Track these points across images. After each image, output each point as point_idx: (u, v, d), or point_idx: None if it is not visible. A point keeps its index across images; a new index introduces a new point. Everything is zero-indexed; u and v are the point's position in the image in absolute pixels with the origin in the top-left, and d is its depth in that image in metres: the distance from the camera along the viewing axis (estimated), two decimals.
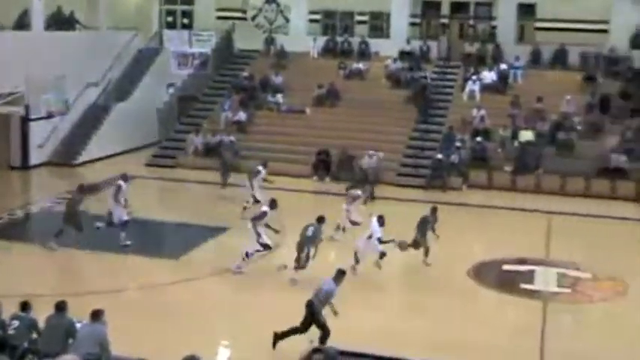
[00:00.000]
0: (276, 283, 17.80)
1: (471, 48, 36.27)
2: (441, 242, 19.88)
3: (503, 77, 33.95)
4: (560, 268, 19.69)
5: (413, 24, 38.41)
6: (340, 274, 14.46)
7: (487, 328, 15.89)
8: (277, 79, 34.86)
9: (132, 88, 34.68)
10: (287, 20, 39.32)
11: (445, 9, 38.78)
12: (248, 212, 21.57)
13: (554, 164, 29.29)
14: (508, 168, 29.40)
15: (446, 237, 20.12)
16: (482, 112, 31.41)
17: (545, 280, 18.95)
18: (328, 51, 37.58)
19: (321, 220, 18.32)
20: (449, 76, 35.29)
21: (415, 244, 19.48)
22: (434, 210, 20.18)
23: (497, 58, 35.17)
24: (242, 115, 32.67)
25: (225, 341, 15.10)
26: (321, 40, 37.85)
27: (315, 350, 11.72)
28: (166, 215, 24.44)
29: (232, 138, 30.89)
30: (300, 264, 17.76)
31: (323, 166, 29.94)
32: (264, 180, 23.99)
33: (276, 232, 19.06)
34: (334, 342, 12.72)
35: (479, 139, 30.27)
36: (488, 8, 38.41)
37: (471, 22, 38.79)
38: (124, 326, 13.20)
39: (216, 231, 22.11)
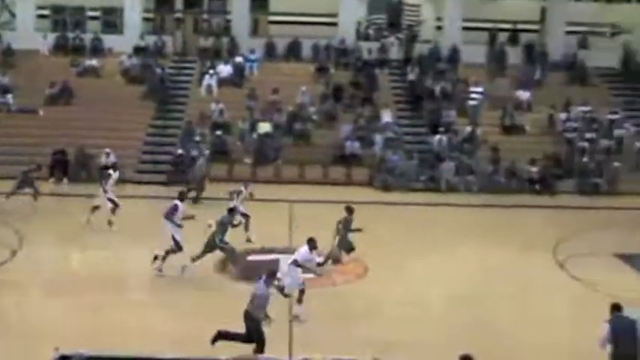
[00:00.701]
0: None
1: (207, 42, 36.32)
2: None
3: (239, 70, 34.31)
4: None
5: (147, 19, 37.87)
6: (271, 275, 14.22)
7: (236, 320, 15.92)
8: (4, 79, 32.95)
9: None
10: (13, 15, 37.35)
11: (179, 4, 38.63)
12: None
13: (293, 154, 30.04)
14: (248, 160, 29.81)
15: (190, 232, 19.96)
16: (221, 105, 31.59)
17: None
18: (59, 48, 36.08)
19: (231, 211, 18.95)
20: (186, 71, 35.18)
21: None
22: (350, 210, 19.82)
23: (233, 51, 35.48)
24: None
25: None
26: (52, 37, 36.28)
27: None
28: None
29: None
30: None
31: (60, 166, 28.75)
32: None
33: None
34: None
35: (218, 132, 30.41)
36: (222, 2, 38.70)
37: (205, 16, 38.86)
38: None
39: None
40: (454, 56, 35.65)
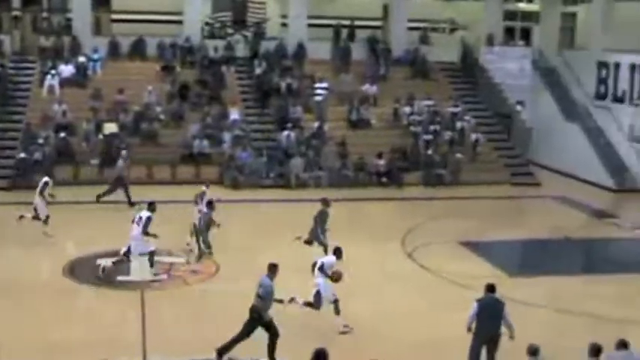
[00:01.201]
0: None
1: (47, 42, 35.06)
2: (27, 243, 19.14)
3: (82, 70, 33.39)
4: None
5: None
6: (272, 268, 14.16)
7: (87, 324, 15.58)
8: None
9: None
10: None
11: (16, 1, 37.20)
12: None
13: (140, 154, 29.54)
14: (94, 161, 29.08)
15: (34, 238, 19.38)
16: (64, 106, 30.70)
17: (141, 269, 18.99)
18: None
19: (210, 204, 19.95)
20: (26, 72, 33.88)
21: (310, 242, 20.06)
22: (327, 203, 20.23)
23: (75, 50, 34.44)
24: None
25: None
26: None
27: None
28: None
29: None
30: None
31: None
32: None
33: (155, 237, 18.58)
34: None
35: (62, 134, 29.52)
36: (63, 0, 37.52)
37: (45, 14, 37.62)
38: None
39: None
40: (300, 53, 35.95)
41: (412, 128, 32.79)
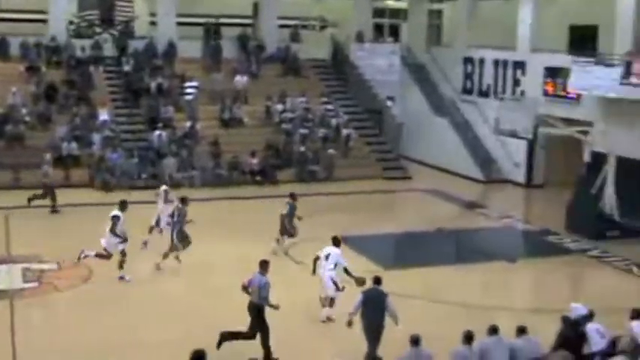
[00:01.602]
0: None
1: None
2: None
3: None
4: (24, 263, 19.34)
5: None
6: (264, 264, 14.40)
7: None
8: None
9: None
10: None
11: None
12: None
13: (6, 158, 28.57)
14: None
15: None
16: None
17: (9, 277, 18.40)
18: None
19: (183, 200, 19.79)
20: None
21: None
22: (294, 197, 21.25)
23: None
24: None
25: None
26: None
27: None
28: None
29: None
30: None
31: None
32: None
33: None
34: None
35: None
36: None
37: None
38: None
39: None
40: (170, 51, 35.43)
41: (284, 125, 32.89)
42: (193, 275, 19.23)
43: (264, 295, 14.14)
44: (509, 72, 33.31)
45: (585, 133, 26.40)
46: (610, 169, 24.71)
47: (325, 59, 38.22)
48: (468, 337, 11.91)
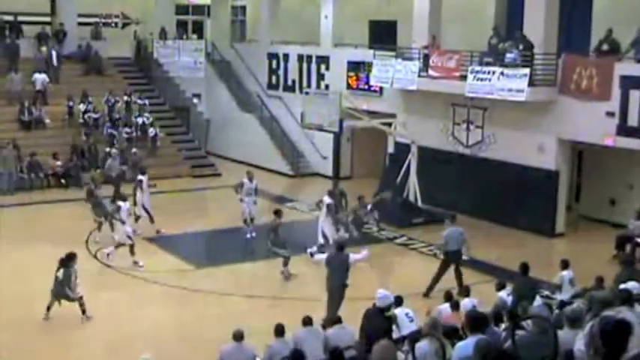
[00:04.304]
0: None
1: None
2: None
3: None
4: None
5: None
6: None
7: None
8: None
9: None
10: None
11: None
12: None
13: None
14: None
15: None
16: None
17: None
18: None
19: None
20: None
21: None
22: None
23: None
24: None
25: None
26: None
27: None
28: None
29: None
30: None
31: None
32: None
33: None
34: None
35: None
36: None
37: None
38: None
39: None
40: None
41: (88, 126, 31.93)
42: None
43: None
44: (314, 67, 33.87)
45: (389, 124, 27.30)
46: (413, 159, 25.66)
47: (129, 57, 37.42)
48: (279, 331, 11.97)
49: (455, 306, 13.99)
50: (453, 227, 18.77)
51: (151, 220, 23.32)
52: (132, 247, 20.14)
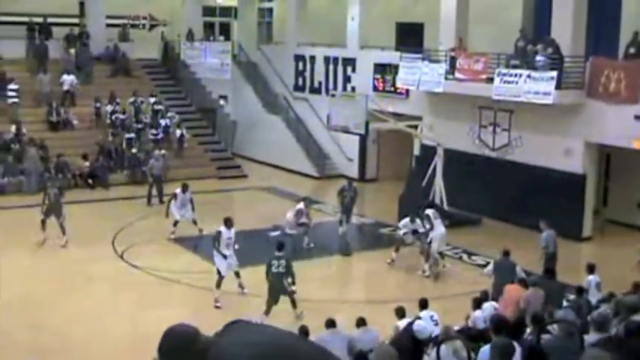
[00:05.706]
0: None
1: None
2: None
3: None
4: None
5: None
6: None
7: None
8: None
9: None
10: None
11: None
12: None
13: None
14: None
15: None
16: None
17: None
18: None
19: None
20: None
21: None
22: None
23: None
24: None
25: None
26: None
27: None
28: None
29: None
30: None
31: None
32: None
33: None
34: None
35: None
36: None
37: None
38: None
39: None
40: None
41: (115, 127, 32.12)
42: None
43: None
44: (340, 69, 33.87)
45: (415, 127, 27.23)
46: (439, 161, 25.58)
47: (156, 59, 37.62)
48: (303, 333, 11.91)
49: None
50: (549, 230, 19.66)
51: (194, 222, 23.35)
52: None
